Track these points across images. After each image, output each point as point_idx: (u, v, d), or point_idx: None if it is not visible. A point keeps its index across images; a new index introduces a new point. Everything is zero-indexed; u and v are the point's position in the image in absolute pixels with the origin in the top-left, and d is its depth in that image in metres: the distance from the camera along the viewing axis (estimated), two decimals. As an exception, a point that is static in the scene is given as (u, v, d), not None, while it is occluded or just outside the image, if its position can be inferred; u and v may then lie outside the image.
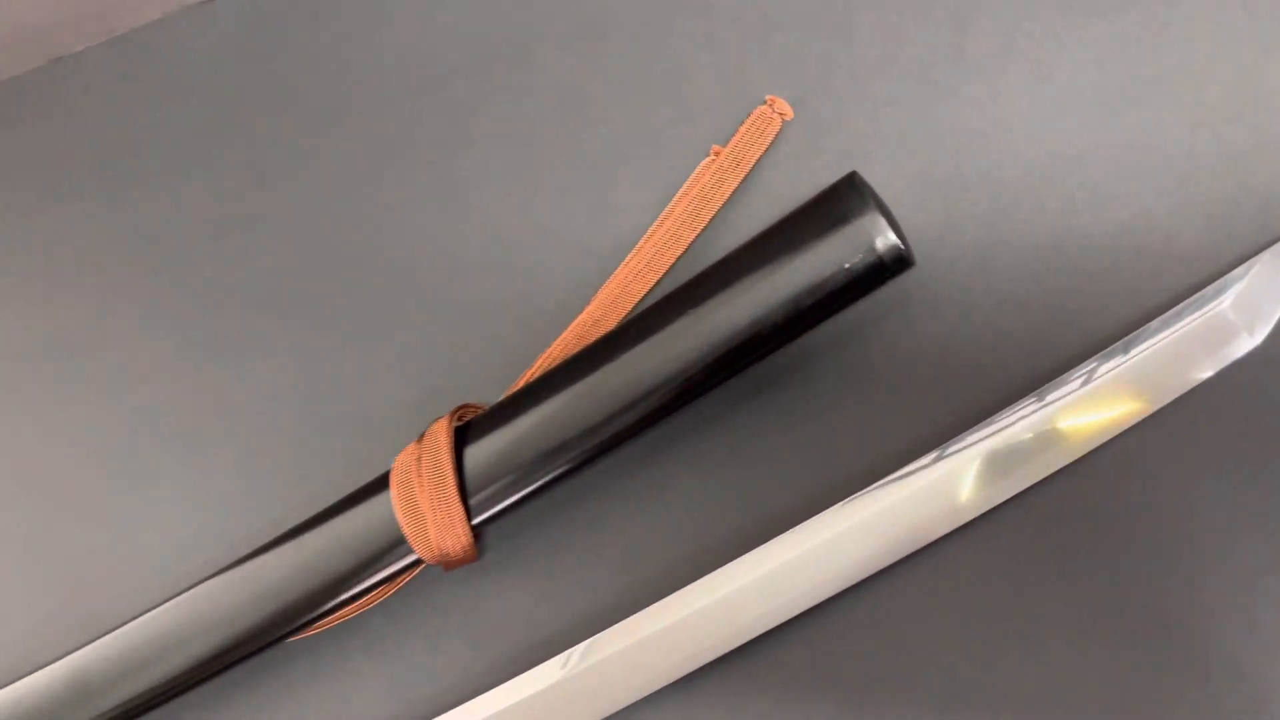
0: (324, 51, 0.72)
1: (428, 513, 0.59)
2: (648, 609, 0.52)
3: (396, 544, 0.60)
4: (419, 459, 0.60)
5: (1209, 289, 0.53)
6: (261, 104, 0.72)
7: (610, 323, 0.62)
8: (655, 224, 0.63)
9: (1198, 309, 0.52)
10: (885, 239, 0.54)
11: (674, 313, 0.57)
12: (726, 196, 0.64)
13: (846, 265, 0.55)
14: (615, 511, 0.61)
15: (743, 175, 0.64)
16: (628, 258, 0.63)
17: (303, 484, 0.63)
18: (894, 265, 0.54)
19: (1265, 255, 0.52)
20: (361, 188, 0.69)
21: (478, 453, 0.60)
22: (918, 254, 0.57)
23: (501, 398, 0.61)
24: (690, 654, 0.52)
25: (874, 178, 0.58)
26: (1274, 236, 0.55)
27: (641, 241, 0.63)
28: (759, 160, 0.64)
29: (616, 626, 0.52)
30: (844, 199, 0.56)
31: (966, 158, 0.59)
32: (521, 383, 0.63)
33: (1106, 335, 0.56)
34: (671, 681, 0.52)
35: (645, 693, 0.52)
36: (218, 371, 0.67)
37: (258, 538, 0.61)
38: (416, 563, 0.59)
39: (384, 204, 0.69)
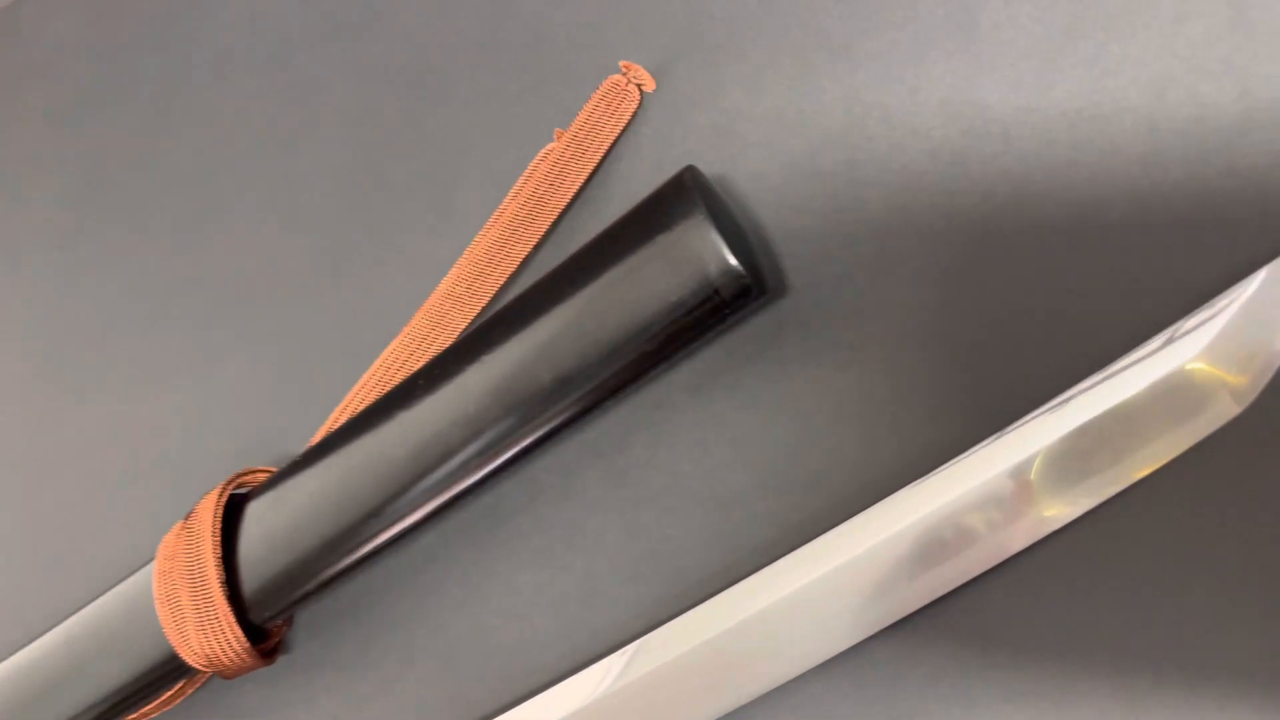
0: (160, 35, 0.66)
1: (189, 612, 0.48)
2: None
3: (163, 649, 0.49)
4: (185, 544, 0.49)
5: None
6: (100, 97, 0.67)
7: (416, 363, 0.49)
8: (479, 235, 0.50)
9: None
10: (720, 264, 0.40)
11: (465, 358, 0.45)
12: (572, 193, 0.50)
13: (674, 299, 0.41)
14: (432, 606, 0.49)
15: (592, 164, 0.50)
16: (443, 280, 0.50)
17: (73, 565, 0.53)
18: (734, 297, 0.40)
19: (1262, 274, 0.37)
20: (194, 187, 0.62)
21: (256, 532, 0.49)
22: (796, 269, 0.45)
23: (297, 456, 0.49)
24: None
25: (748, 166, 0.47)
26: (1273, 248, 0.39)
27: (460, 260, 0.50)
28: (614, 144, 0.50)
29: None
30: (669, 209, 0.42)
31: (863, 137, 0.45)
32: (318, 438, 0.51)
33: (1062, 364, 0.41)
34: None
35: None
36: None
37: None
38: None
39: (213, 206, 0.61)
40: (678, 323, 0.42)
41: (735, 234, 0.43)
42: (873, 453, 0.43)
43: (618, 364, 0.43)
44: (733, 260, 0.41)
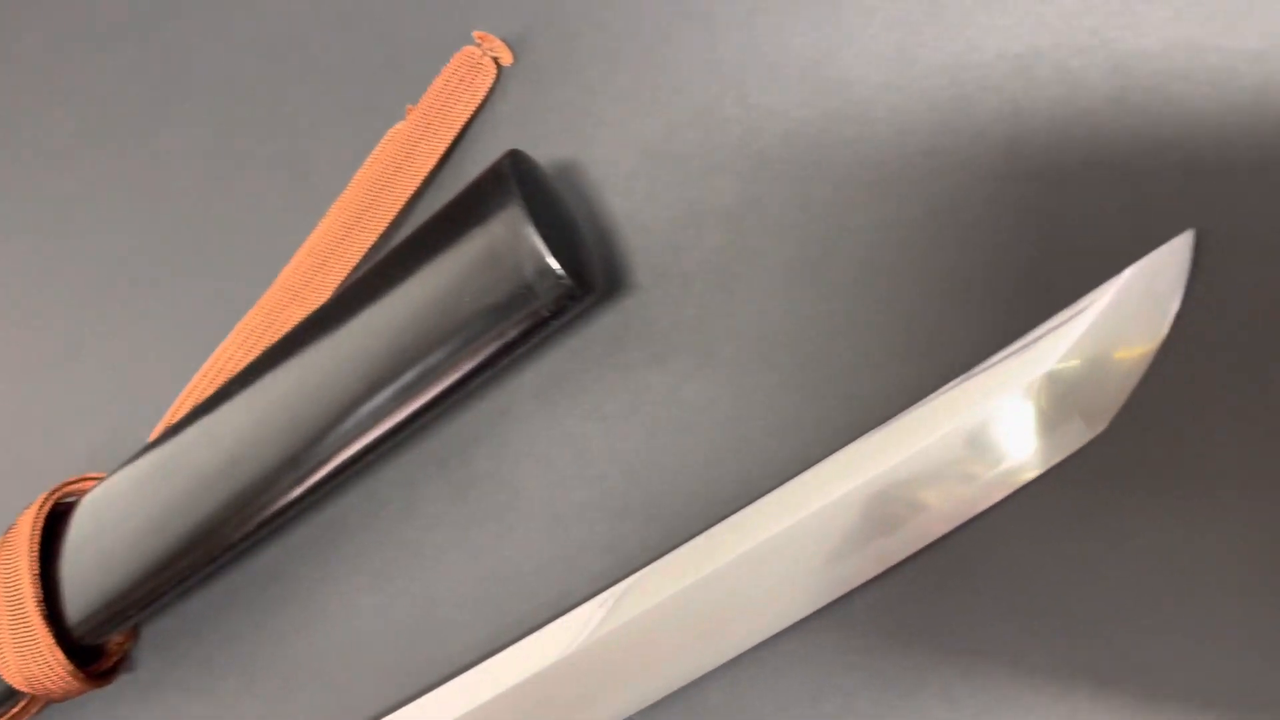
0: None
1: (6, 634, 0.45)
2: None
3: (-15, 671, 0.46)
4: (1, 561, 0.46)
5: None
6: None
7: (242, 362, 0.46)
8: (320, 224, 0.46)
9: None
10: (537, 263, 0.37)
11: (279, 360, 0.41)
12: (421, 177, 0.46)
13: (489, 301, 0.37)
14: (274, 625, 0.47)
15: (444, 145, 0.46)
16: (281, 273, 0.46)
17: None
18: (555, 299, 0.36)
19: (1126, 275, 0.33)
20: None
21: (80, 545, 0.46)
22: (644, 265, 0.42)
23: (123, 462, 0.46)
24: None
25: (602, 150, 0.44)
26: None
27: (299, 251, 0.46)
28: (469, 122, 0.46)
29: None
30: (486, 200, 0.38)
31: (720, 119, 0.41)
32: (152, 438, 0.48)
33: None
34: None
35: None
36: None
37: None
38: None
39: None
40: (497, 327, 0.38)
41: (564, 227, 0.39)
42: (715, 470, 0.39)
43: (435, 371, 0.39)
44: (550, 260, 0.37)
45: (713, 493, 0.39)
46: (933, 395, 0.35)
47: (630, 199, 0.43)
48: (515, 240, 0.38)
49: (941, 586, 0.35)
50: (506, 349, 0.39)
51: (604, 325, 0.43)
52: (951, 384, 0.35)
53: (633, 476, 0.41)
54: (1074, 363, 0.33)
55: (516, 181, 0.38)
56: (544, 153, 0.45)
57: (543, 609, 0.41)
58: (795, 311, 0.39)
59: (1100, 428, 0.33)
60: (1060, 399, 0.33)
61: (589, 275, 0.39)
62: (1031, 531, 0.35)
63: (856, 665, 0.37)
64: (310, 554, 0.47)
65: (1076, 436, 0.33)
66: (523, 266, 0.37)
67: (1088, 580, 0.34)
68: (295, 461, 0.42)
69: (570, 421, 0.43)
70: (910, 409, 0.35)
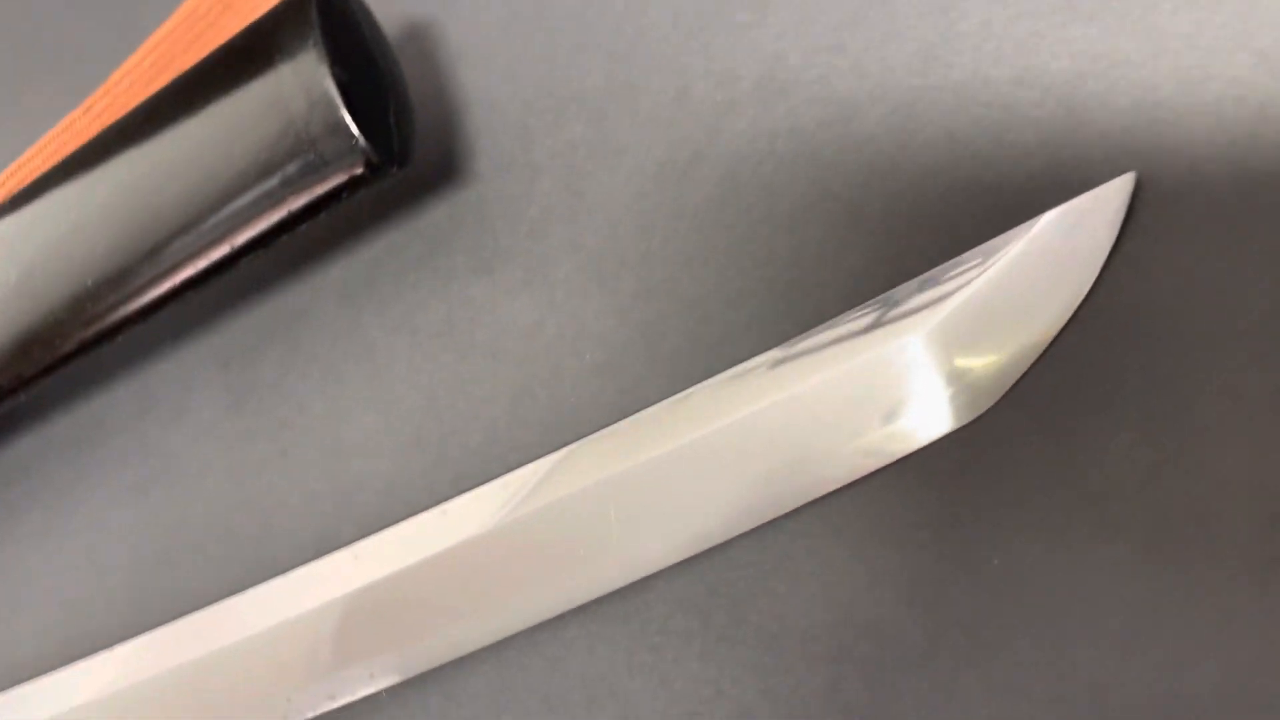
0: None
1: None
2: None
3: None
4: None
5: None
6: None
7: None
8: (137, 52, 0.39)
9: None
10: (328, 116, 0.29)
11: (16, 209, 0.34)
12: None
13: (266, 156, 0.30)
14: (10, 531, 0.40)
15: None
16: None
17: None
18: (348, 164, 0.29)
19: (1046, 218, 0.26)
20: None
21: None
22: (490, 153, 0.36)
23: None
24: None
25: (468, 10, 0.37)
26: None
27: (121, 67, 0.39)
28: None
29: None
30: (282, 35, 0.30)
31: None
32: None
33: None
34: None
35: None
36: None
37: None
38: None
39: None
40: (277, 191, 0.31)
41: (380, 85, 0.32)
42: (525, 407, 0.32)
43: (199, 237, 0.32)
44: (345, 115, 0.30)
45: (518, 435, 0.32)
46: (792, 341, 0.28)
47: (486, 73, 0.36)
48: (306, 86, 0.30)
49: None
50: (290, 221, 0.32)
51: (431, 220, 0.36)
52: (817, 329, 0.27)
53: (432, 404, 0.34)
54: (966, 321, 0.26)
55: (320, 16, 0.31)
56: (397, 7, 0.37)
57: (300, 552, 0.34)
58: (649, 229, 0.32)
59: (984, 407, 0.26)
60: (942, 365, 0.26)
61: (401, 146, 0.32)
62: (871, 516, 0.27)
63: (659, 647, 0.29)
64: (67, 451, 0.40)
65: (956, 413, 0.26)
66: (311, 119, 0.30)
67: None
68: (36, 336, 0.35)
69: (374, 332, 0.36)
70: (759, 358, 0.28)
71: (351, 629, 0.31)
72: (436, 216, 0.36)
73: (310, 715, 0.31)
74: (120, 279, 0.33)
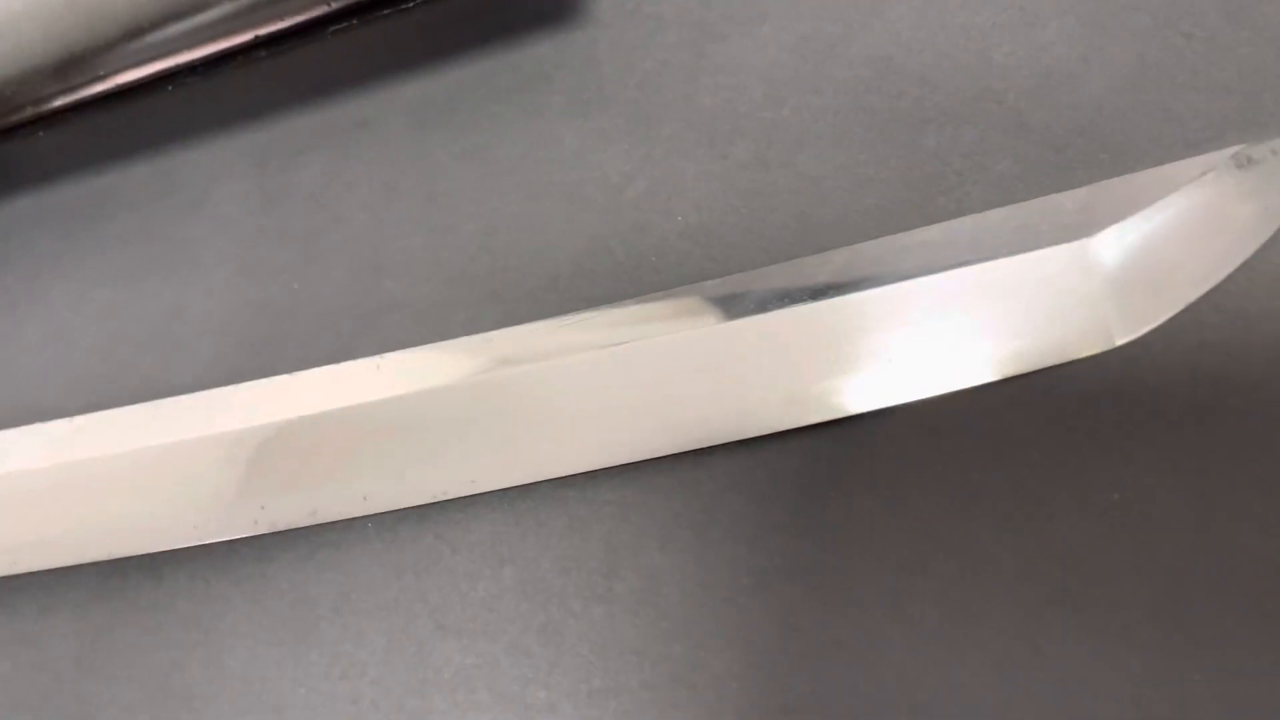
0: None
1: None
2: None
3: None
4: None
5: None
6: None
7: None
8: None
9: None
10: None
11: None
12: None
13: None
14: None
15: None
16: None
17: None
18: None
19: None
20: None
21: None
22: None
23: None
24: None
25: None
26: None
27: None
28: None
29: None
30: None
31: None
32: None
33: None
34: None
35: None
36: None
37: None
38: None
39: None
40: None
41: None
42: (595, 259, 0.29)
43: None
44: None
45: (582, 285, 0.29)
46: (935, 226, 0.25)
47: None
48: None
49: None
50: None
51: (529, 55, 0.33)
52: (962, 219, 0.25)
53: (491, 238, 0.31)
54: (1137, 240, 0.24)
55: None
56: None
57: (303, 365, 0.31)
58: (778, 100, 0.29)
59: (1131, 335, 0.24)
60: (1099, 281, 0.23)
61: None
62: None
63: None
64: (61, 219, 0.37)
65: (1101, 334, 0.24)
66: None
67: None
68: (69, 57, 0.32)
69: (441, 155, 0.33)
70: (890, 238, 0.25)
71: (345, 443, 0.27)
72: (537, 52, 0.33)
73: (285, 527, 0.27)
74: (163, 21, 0.30)
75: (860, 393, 0.24)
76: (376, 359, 0.28)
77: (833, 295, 0.25)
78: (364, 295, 0.32)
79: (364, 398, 0.27)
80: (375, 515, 0.28)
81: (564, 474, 0.26)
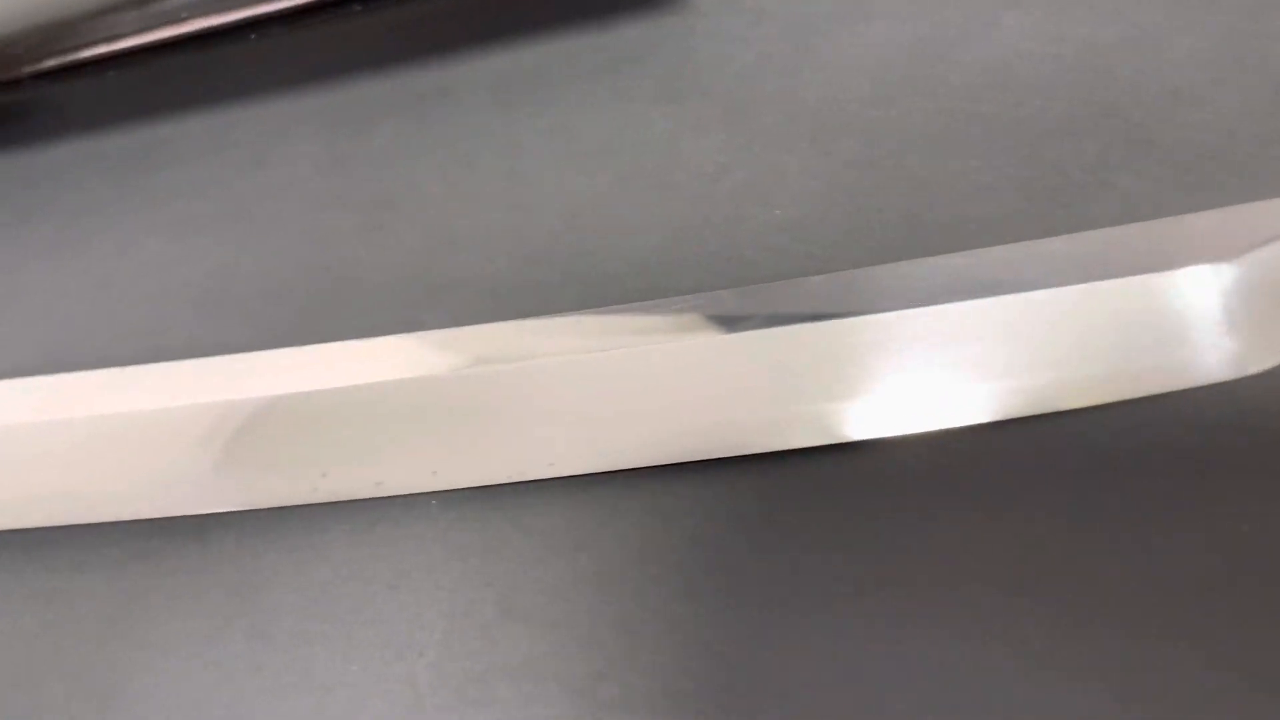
0: None
1: None
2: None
3: None
4: None
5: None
6: None
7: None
8: None
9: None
10: None
11: None
12: None
13: None
14: (47, 232, 0.34)
15: None
16: None
17: None
18: None
19: None
20: None
21: None
22: None
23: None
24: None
25: None
26: None
27: None
28: None
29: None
30: None
31: None
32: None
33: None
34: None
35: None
36: None
37: None
38: None
39: None
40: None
41: None
42: (685, 248, 0.28)
43: None
44: None
45: (669, 274, 0.28)
46: (1062, 238, 0.24)
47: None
48: None
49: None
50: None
51: (623, 37, 0.32)
52: (1090, 232, 0.24)
53: (574, 220, 0.30)
54: (1273, 268, 0.23)
55: None
56: None
57: (366, 334, 0.30)
58: (888, 100, 0.29)
59: (1261, 366, 0.23)
60: (1230, 306, 0.23)
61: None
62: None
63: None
64: (112, 166, 0.36)
65: (1226, 365, 0.23)
66: None
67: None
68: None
69: (524, 131, 0.32)
70: (1005, 247, 0.25)
71: (417, 415, 0.26)
72: (629, 35, 0.33)
73: (346, 497, 0.26)
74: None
75: (977, 406, 0.23)
76: (454, 330, 0.27)
77: (942, 302, 0.24)
78: (435, 267, 0.31)
79: (439, 370, 0.26)
80: (442, 493, 0.26)
81: (648, 464, 0.25)
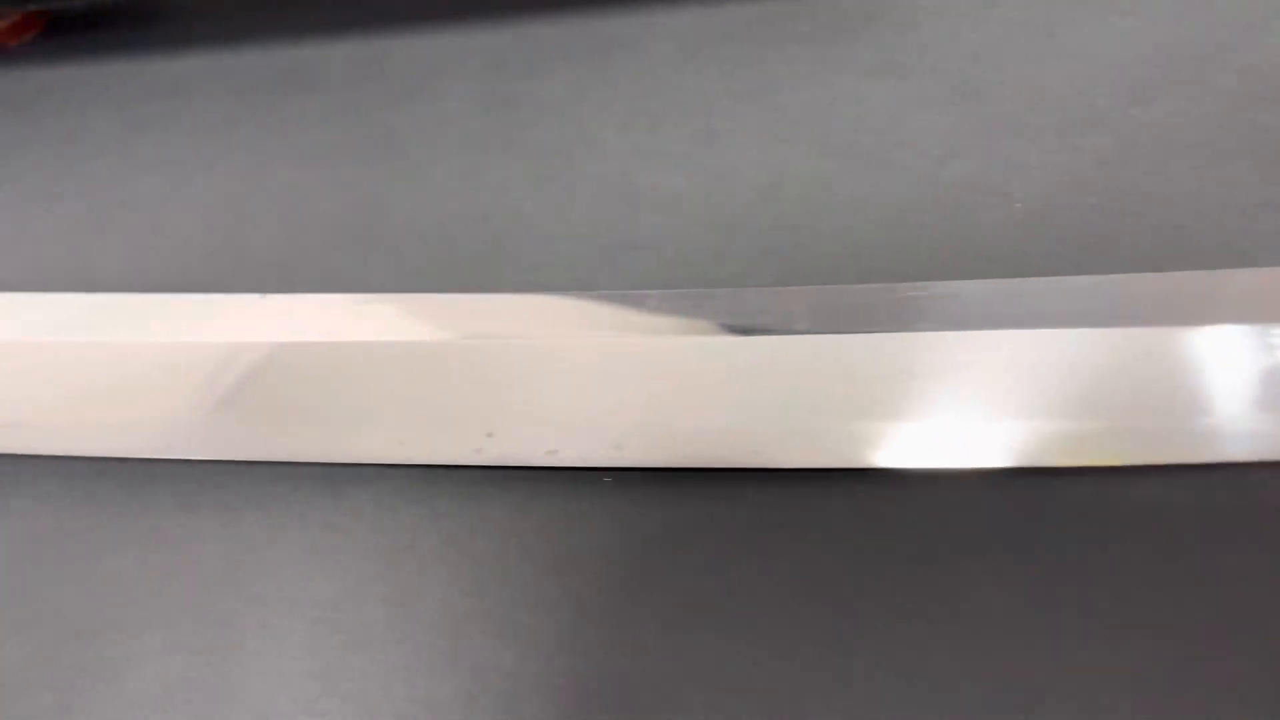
0: None
1: None
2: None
3: None
4: None
5: None
6: None
7: None
8: None
9: None
10: None
11: None
12: None
13: None
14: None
15: None
16: None
17: None
18: None
19: None
20: None
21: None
22: None
23: None
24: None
25: None
26: None
27: None
28: None
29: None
30: None
31: None
32: None
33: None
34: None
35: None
36: None
37: None
38: None
39: None
40: None
41: None
42: (897, 232, 0.26)
43: None
44: None
45: (875, 256, 0.25)
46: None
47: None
48: None
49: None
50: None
51: (837, 4, 0.30)
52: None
53: (773, 188, 0.27)
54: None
55: None
56: None
57: (515, 288, 0.27)
58: (1147, 99, 0.26)
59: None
60: None
61: None
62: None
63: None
64: (250, 85, 0.33)
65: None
66: None
67: None
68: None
69: (716, 91, 0.29)
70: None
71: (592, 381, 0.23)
72: (843, 3, 0.30)
73: (514, 463, 0.23)
74: None
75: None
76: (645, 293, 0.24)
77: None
78: (612, 228, 0.28)
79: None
80: (620, 470, 0.23)
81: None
